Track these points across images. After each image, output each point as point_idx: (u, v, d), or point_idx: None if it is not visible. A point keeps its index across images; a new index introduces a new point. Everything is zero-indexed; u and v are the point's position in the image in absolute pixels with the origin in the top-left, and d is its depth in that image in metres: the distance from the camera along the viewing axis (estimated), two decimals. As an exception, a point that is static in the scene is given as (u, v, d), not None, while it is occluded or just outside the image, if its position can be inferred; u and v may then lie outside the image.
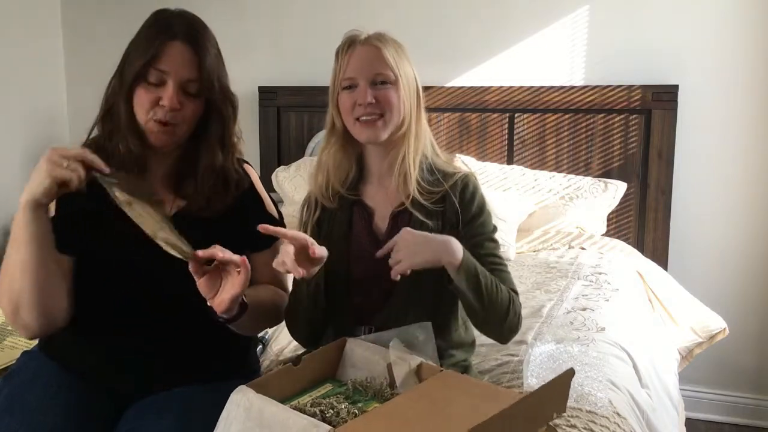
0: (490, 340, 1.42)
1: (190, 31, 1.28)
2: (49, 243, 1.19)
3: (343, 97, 1.32)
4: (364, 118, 1.29)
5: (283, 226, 1.44)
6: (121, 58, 1.30)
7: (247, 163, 1.47)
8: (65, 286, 1.25)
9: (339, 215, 1.37)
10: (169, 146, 1.30)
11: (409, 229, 1.23)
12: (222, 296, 1.15)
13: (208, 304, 1.19)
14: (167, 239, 1.12)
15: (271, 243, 1.40)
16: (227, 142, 1.35)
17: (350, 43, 1.32)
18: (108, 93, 1.31)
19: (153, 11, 1.33)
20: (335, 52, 1.34)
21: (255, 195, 1.42)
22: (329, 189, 1.37)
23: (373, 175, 1.39)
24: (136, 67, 1.24)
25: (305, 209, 1.41)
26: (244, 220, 1.35)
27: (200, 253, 1.12)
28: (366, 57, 1.30)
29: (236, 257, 1.14)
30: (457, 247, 1.23)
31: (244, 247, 1.34)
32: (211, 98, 1.30)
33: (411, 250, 1.20)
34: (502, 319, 1.30)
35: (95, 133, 1.34)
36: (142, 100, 1.26)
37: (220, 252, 1.13)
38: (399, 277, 1.21)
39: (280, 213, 1.48)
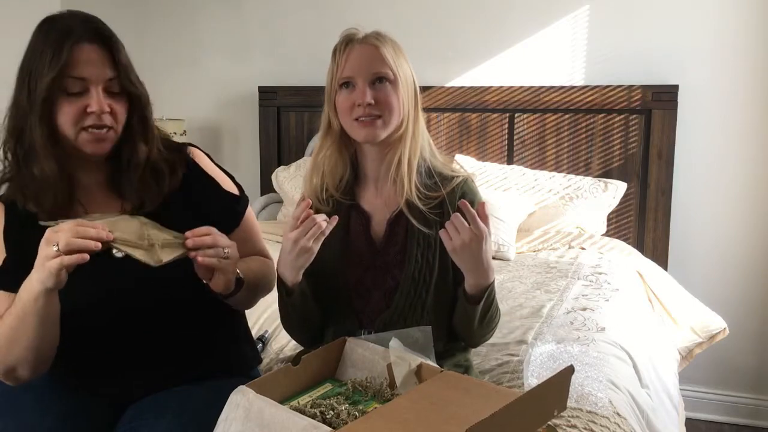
0: (491, 340, 1.44)
1: (95, 29, 1.22)
2: (57, 315, 1.17)
3: (340, 97, 1.29)
4: (362, 118, 1.27)
5: (246, 199, 1.44)
6: (18, 77, 1.22)
7: (194, 146, 1.43)
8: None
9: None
10: (106, 151, 1.25)
11: (486, 231, 1.19)
12: (215, 280, 1.19)
13: (206, 282, 1.22)
14: (154, 252, 1.13)
15: (239, 221, 1.39)
16: (149, 134, 1.30)
17: (348, 41, 1.30)
18: (13, 117, 1.22)
19: (44, 18, 1.23)
20: (332, 50, 1.32)
21: (205, 178, 1.39)
22: (324, 192, 1.35)
23: (370, 178, 1.37)
24: (47, 80, 1.16)
25: None
26: (202, 205, 1.33)
27: (189, 243, 1.14)
28: (364, 56, 1.28)
29: (224, 242, 1.17)
30: (492, 275, 1.24)
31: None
32: (130, 92, 1.25)
33: (468, 247, 1.18)
34: (484, 335, 1.34)
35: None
36: (66, 113, 1.19)
37: (208, 238, 1.16)
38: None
39: (240, 187, 1.45)
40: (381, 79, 1.28)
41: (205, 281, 1.21)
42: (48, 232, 1.07)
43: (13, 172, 1.25)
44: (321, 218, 1.20)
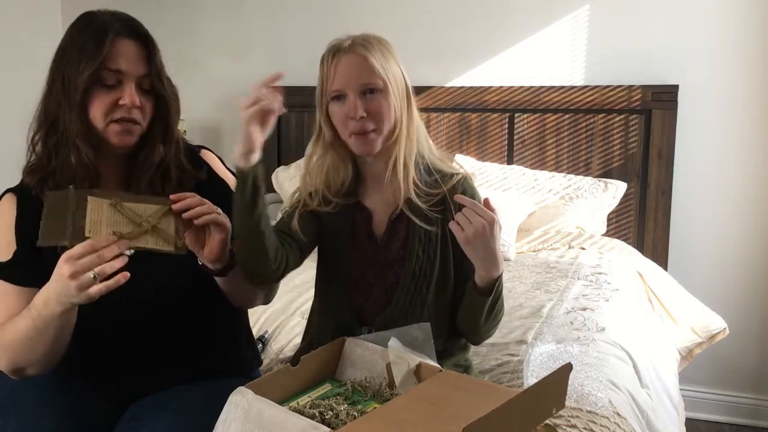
0: (490, 340, 1.45)
1: (133, 27, 1.26)
2: (74, 323, 1.17)
3: (333, 109, 1.29)
4: (358, 132, 1.27)
5: None
6: (52, 67, 1.24)
7: (207, 149, 1.44)
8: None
9: (341, 215, 1.36)
10: (131, 145, 1.27)
11: (498, 223, 1.19)
12: (210, 244, 1.19)
13: (200, 262, 1.23)
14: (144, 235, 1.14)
15: None
16: (169, 136, 1.32)
17: (334, 51, 1.29)
18: (47, 106, 1.24)
19: (83, 13, 1.27)
20: (320, 60, 1.31)
21: (217, 181, 1.40)
22: (319, 194, 1.34)
23: (369, 179, 1.37)
24: (86, 71, 1.19)
25: (296, 201, 1.38)
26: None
27: (176, 206, 1.16)
28: (352, 67, 1.27)
29: (204, 207, 1.18)
30: (502, 265, 1.24)
31: None
32: (161, 92, 1.28)
33: (482, 235, 1.17)
34: (490, 329, 1.34)
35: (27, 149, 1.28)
36: (99, 104, 1.22)
37: (192, 200, 1.17)
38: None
39: None
40: (371, 90, 1.27)
41: (199, 260, 1.22)
42: (68, 264, 1.06)
43: (42, 161, 1.26)
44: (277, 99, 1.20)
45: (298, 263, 1.35)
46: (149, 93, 1.27)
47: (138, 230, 1.13)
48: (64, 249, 1.09)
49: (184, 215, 1.17)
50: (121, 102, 1.22)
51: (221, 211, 1.21)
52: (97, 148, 1.25)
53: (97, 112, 1.22)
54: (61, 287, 1.07)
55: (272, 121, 1.22)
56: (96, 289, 1.06)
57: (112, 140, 1.24)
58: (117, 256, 1.08)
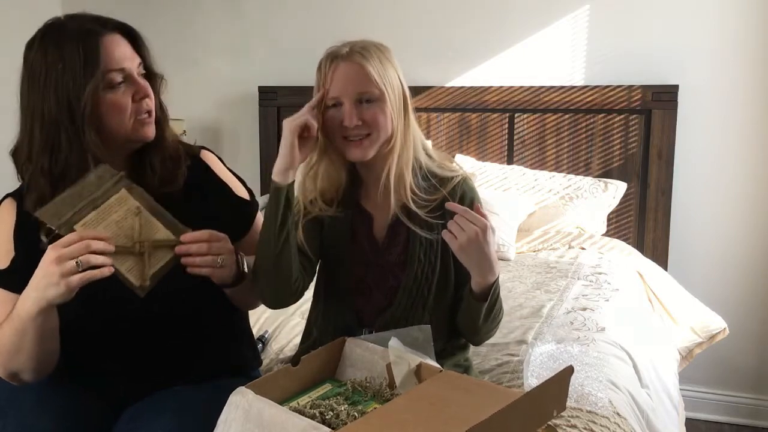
0: (491, 340, 1.44)
1: (108, 21, 1.22)
2: (56, 328, 1.17)
3: (329, 115, 1.28)
4: (351, 138, 1.26)
5: (257, 204, 1.44)
6: (35, 91, 1.18)
7: (207, 149, 1.43)
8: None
9: (341, 219, 1.35)
10: (154, 134, 1.26)
11: (491, 228, 1.19)
12: (211, 274, 1.19)
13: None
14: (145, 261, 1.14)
15: (250, 225, 1.39)
16: (167, 115, 1.31)
17: (332, 58, 1.27)
18: (45, 133, 1.17)
19: (43, 30, 1.21)
20: (317, 65, 1.30)
21: (218, 182, 1.39)
22: (318, 202, 1.34)
23: (368, 183, 1.36)
24: (91, 79, 1.15)
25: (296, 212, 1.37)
26: (214, 209, 1.33)
27: (178, 250, 1.15)
28: (349, 75, 1.25)
29: (221, 249, 1.18)
30: (497, 270, 1.24)
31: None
32: (155, 73, 1.27)
33: (475, 242, 1.17)
34: (489, 330, 1.34)
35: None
36: (118, 105, 1.19)
37: (196, 247, 1.16)
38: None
39: (250, 191, 1.44)
40: (368, 99, 1.26)
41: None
42: (54, 249, 1.06)
43: (46, 190, 1.18)
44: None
45: (310, 279, 1.36)
46: (146, 77, 1.25)
47: (127, 249, 1.13)
48: (49, 233, 1.09)
49: (182, 261, 1.16)
50: (137, 97, 1.20)
51: (225, 256, 1.18)
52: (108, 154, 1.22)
53: (119, 113, 1.19)
54: (44, 273, 1.06)
55: (311, 143, 1.26)
56: (77, 278, 1.04)
57: (139, 135, 1.23)
58: (104, 253, 1.07)
